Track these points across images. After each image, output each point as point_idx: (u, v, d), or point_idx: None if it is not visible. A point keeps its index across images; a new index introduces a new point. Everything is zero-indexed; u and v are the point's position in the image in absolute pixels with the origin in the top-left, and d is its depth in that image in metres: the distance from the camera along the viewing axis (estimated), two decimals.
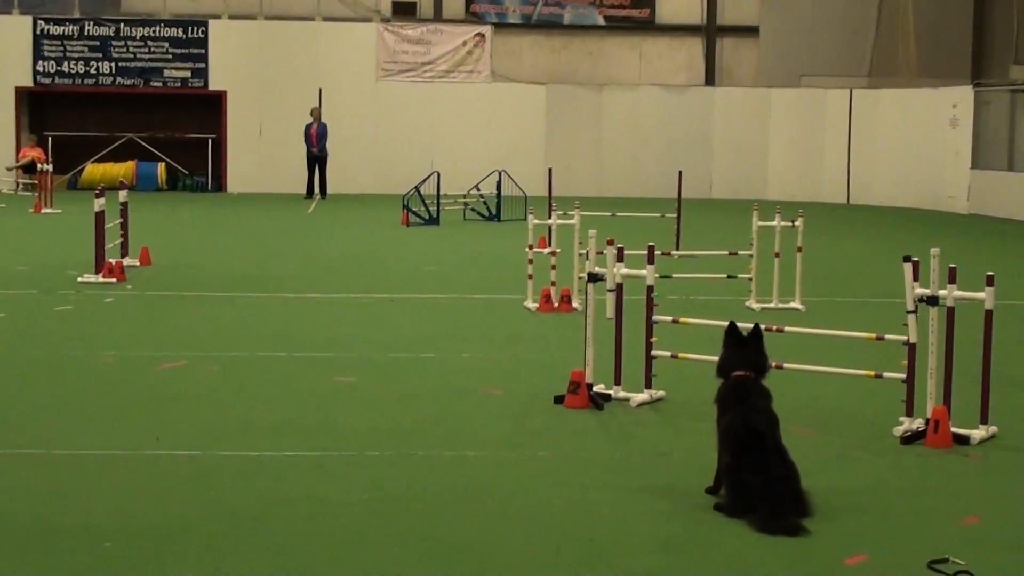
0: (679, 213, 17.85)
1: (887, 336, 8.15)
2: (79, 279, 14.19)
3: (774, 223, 12.98)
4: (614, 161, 32.04)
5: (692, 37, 34.41)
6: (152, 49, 31.08)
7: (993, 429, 7.65)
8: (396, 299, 13.45)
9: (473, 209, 24.48)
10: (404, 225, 22.66)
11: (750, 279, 12.91)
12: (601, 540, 5.69)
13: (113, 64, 31.05)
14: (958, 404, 7.63)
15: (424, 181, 23.33)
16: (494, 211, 24.21)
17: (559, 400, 8.40)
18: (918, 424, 7.60)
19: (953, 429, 7.47)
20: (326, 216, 24.85)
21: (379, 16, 32.64)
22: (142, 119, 31.70)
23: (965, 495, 6.55)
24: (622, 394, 8.51)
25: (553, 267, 12.77)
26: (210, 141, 31.56)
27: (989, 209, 27.71)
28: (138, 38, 31.06)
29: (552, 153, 30.87)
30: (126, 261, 15.12)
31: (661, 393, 8.56)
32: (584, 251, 9.43)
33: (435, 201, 23.21)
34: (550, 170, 20.32)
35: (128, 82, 31.18)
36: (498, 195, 24.18)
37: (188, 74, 31.18)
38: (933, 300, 7.58)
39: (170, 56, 31.11)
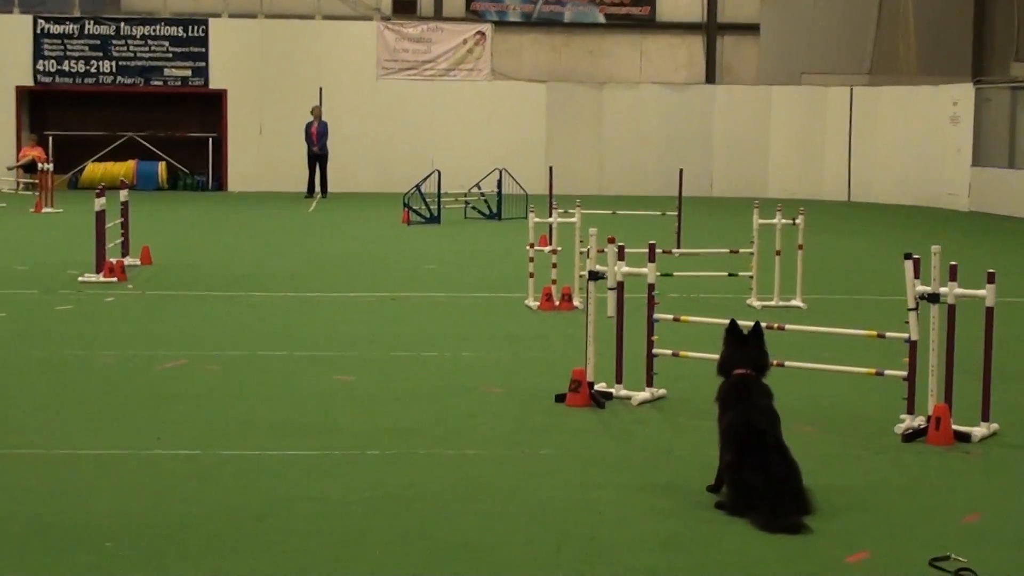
0: (680, 211, 17.84)
1: (888, 334, 8.14)
2: (80, 278, 14.19)
3: (775, 221, 12.98)
4: (615, 159, 32.04)
5: (692, 35, 34.41)
6: (152, 48, 31.08)
7: (994, 426, 7.65)
8: (397, 298, 13.45)
9: (474, 207, 24.48)
10: (405, 224, 22.66)
11: (751, 277, 12.91)
12: (602, 538, 5.69)
13: (113, 63, 31.04)
14: (959, 401, 7.63)
15: (425, 179, 23.32)
16: (495, 209, 24.20)
17: (560, 399, 8.39)
18: (919, 422, 7.60)
19: (954, 426, 7.46)
20: (327, 215, 24.85)
21: (379, 14, 32.64)
22: (142, 118, 31.71)
23: (966, 492, 6.54)
24: (623, 392, 8.50)
25: (554, 265, 12.76)
26: (210, 140, 31.56)
27: (990, 206, 27.70)
28: (138, 37, 31.06)
29: (553, 151, 30.87)
30: (127, 260, 15.12)
31: (662, 391, 8.56)
32: (585, 249, 9.42)
33: (436, 199, 23.21)
34: (551, 168, 20.32)
35: (128, 81, 31.18)
36: (499, 193, 24.17)
37: (188, 73, 31.18)
38: (934, 297, 7.57)
39: (170, 55, 31.11)
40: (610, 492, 6.40)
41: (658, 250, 8.74)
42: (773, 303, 12.83)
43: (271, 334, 11.07)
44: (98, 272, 14.26)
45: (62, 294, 13.27)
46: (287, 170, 30.55)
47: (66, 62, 30.89)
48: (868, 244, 20.57)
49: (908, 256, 7.61)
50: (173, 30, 31.09)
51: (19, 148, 30.47)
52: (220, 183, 31.55)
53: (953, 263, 7.66)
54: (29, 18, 30.86)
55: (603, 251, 8.71)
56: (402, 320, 12.04)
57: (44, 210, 23.91)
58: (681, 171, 19.53)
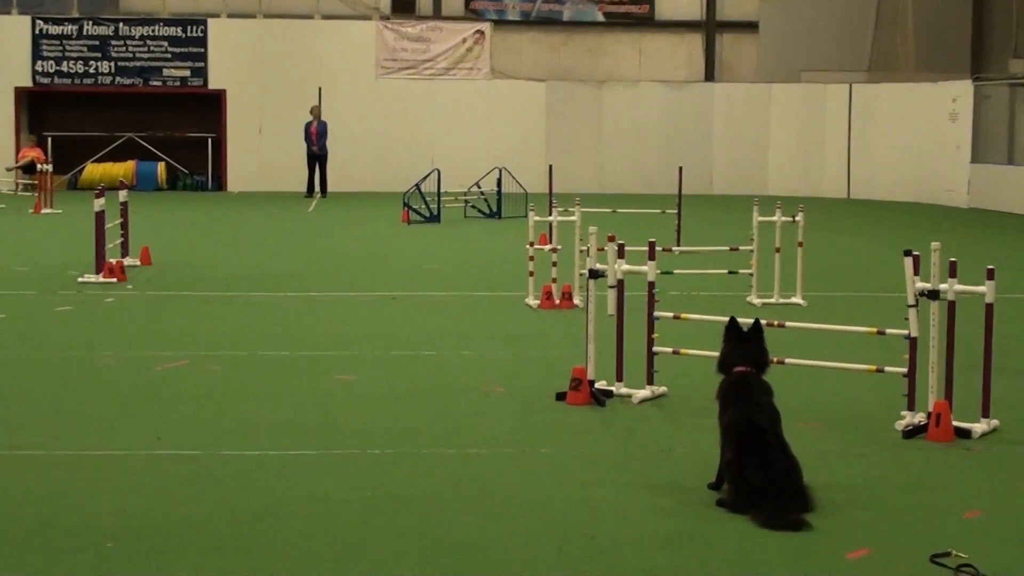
0: (679, 209, 17.84)
1: (888, 330, 8.15)
2: (79, 279, 14.19)
3: (775, 218, 12.98)
4: (614, 157, 32.03)
5: (692, 33, 34.41)
6: (151, 48, 31.08)
7: (995, 422, 7.65)
8: (397, 297, 13.44)
9: (474, 206, 24.48)
10: (405, 223, 22.66)
11: (751, 274, 12.91)
12: (603, 537, 5.69)
13: (112, 63, 31.04)
14: (960, 398, 7.63)
15: (424, 179, 23.32)
16: (495, 208, 24.20)
17: (561, 397, 8.39)
18: (920, 418, 7.60)
19: (955, 423, 7.46)
20: (327, 214, 24.85)
21: (378, 14, 32.63)
22: (142, 118, 31.70)
23: (967, 489, 6.54)
24: (624, 390, 8.50)
25: (554, 264, 12.76)
26: (210, 140, 31.56)
27: (989, 203, 27.71)
28: (137, 37, 31.06)
29: (552, 150, 30.87)
30: (126, 261, 15.12)
31: (663, 389, 8.56)
32: (585, 248, 9.42)
33: (436, 199, 23.21)
34: (550, 167, 20.32)
35: (127, 81, 31.18)
36: (499, 192, 24.17)
37: (187, 73, 31.18)
38: (934, 294, 7.57)
39: (169, 55, 31.10)
40: (611, 490, 6.40)
41: (658, 248, 8.73)
42: (773, 300, 12.83)
43: (271, 334, 11.07)
44: (98, 273, 14.26)
45: (62, 295, 13.27)
46: (287, 170, 30.55)
47: (65, 63, 30.88)
48: (868, 241, 20.57)
49: (908, 253, 7.61)
50: (172, 30, 31.09)
51: (18, 149, 30.47)
52: (219, 183, 31.55)
53: (953, 259, 7.67)
54: (27, 19, 30.86)
55: (603, 249, 8.71)
56: (402, 319, 12.04)
57: (43, 211, 23.92)
58: (681, 169, 19.53)
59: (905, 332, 7.67)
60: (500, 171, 24.39)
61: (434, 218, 23.06)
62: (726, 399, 6.33)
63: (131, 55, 31.08)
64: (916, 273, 7.57)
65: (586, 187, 29.58)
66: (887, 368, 7.98)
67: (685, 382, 8.74)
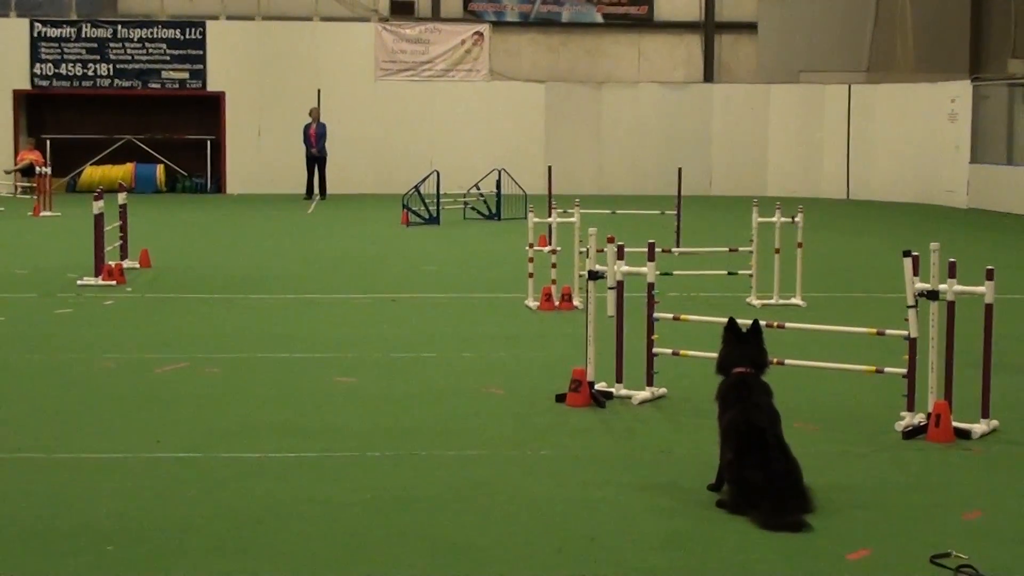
0: (679, 210, 17.85)
1: (888, 331, 8.15)
2: (79, 282, 14.18)
3: (774, 219, 12.98)
4: (614, 158, 32.03)
5: (691, 34, 34.43)
6: (150, 50, 31.08)
7: (994, 423, 7.65)
8: (397, 299, 13.44)
9: (473, 208, 24.48)
10: (404, 225, 22.66)
11: (750, 275, 12.91)
12: (603, 538, 5.69)
13: (111, 66, 31.04)
14: (959, 398, 7.63)
15: (424, 180, 23.32)
16: (494, 210, 24.20)
17: (561, 398, 8.39)
18: (919, 419, 7.60)
19: (954, 423, 7.46)
20: (326, 216, 24.85)
21: (377, 16, 32.64)
22: (140, 121, 31.70)
23: (967, 489, 6.54)
24: (624, 392, 8.50)
25: (554, 265, 12.76)
26: (209, 142, 31.55)
27: (988, 203, 27.71)
28: (136, 40, 31.06)
29: (551, 151, 30.87)
30: (126, 263, 15.12)
31: (663, 390, 8.56)
32: (584, 249, 9.42)
33: (435, 200, 23.21)
34: (550, 168, 20.31)
35: (126, 84, 31.18)
36: (498, 194, 24.17)
37: (186, 75, 31.18)
38: (933, 294, 7.57)
39: (168, 57, 31.10)
40: (611, 491, 6.40)
41: (657, 249, 8.74)
42: (773, 301, 12.83)
43: (271, 336, 11.07)
44: (97, 275, 14.26)
45: (61, 298, 13.26)
46: (286, 172, 30.55)
47: (63, 65, 30.88)
48: (867, 242, 20.58)
49: (907, 253, 7.61)
50: (170, 32, 31.10)
51: (17, 152, 30.47)
52: (219, 185, 31.55)
53: (952, 260, 7.67)
54: (26, 21, 30.86)
55: (602, 250, 8.71)
56: (402, 321, 12.04)
57: (42, 214, 23.91)
58: (680, 170, 19.53)
59: (905, 333, 7.67)
60: (499, 172, 24.39)
61: (433, 220, 23.06)
62: (726, 400, 6.33)
63: (130, 57, 31.08)
64: (915, 274, 7.57)
65: (585, 188, 29.59)
66: (887, 369, 7.98)
67: (685, 383, 8.74)
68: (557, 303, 12.67)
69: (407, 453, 7.14)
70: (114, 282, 14.11)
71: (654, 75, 33.89)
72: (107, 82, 31.10)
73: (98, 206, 14.44)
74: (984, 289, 7.54)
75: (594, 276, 8.62)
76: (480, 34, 31.99)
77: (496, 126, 31.50)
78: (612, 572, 5.30)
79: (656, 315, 8.58)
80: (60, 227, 21.78)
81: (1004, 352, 9.34)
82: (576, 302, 12.58)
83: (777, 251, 12.91)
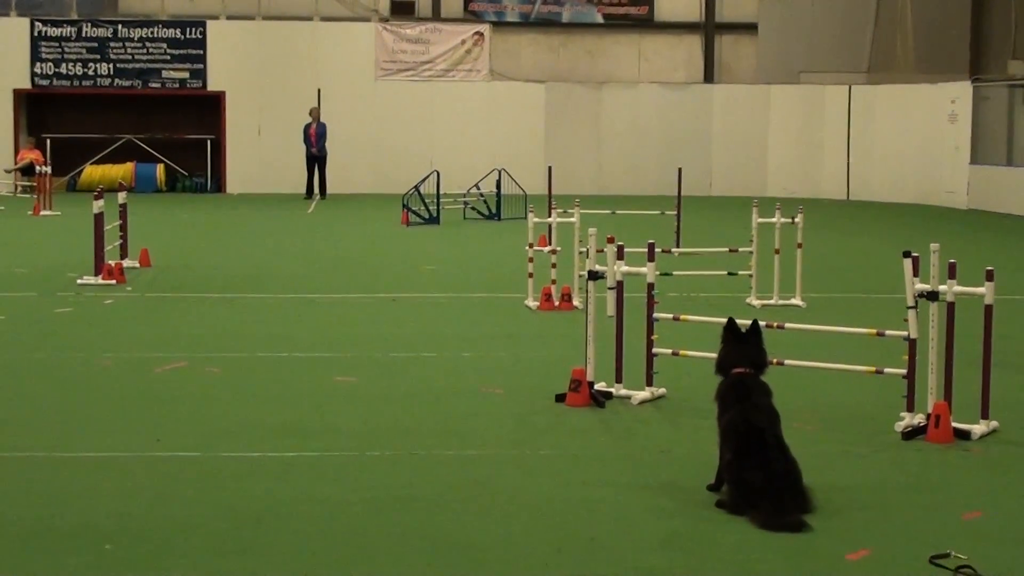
0: (679, 210, 17.85)
1: (888, 332, 8.14)
2: (79, 281, 14.19)
3: (774, 220, 12.98)
4: (614, 159, 32.03)
5: (691, 34, 34.44)
6: (150, 50, 31.08)
7: (994, 424, 7.65)
8: (397, 299, 13.45)
9: (473, 208, 24.48)
10: (404, 225, 22.66)
11: (750, 276, 12.91)
12: (603, 538, 5.69)
13: (111, 65, 31.04)
14: (959, 399, 7.63)
15: (424, 180, 23.33)
16: (494, 210, 24.20)
17: (560, 398, 8.39)
18: (919, 419, 7.60)
19: (954, 424, 7.47)
20: (326, 216, 24.85)
21: (377, 15, 32.65)
22: (141, 120, 31.71)
23: (966, 490, 6.54)
24: (623, 392, 8.50)
25: (553, 265, 12.76)
26: (209, 142, 31.55)
27: (988, 204, 27.71)
28: (136, 39, 31.06)
29: (552, 151, 30.86)
30: (125, 263, 15.12)
31: (662, 390, 8.56)
32: (584, 249, 9.43)
33: (435, 200, 23.21)
34: (550, 168, 20.31)
35: (126, 83, 31.18)
36: (498, 194, 24.17)
37: (186, 75, 31.18)
38: (933, 295, 7.57)
39: (168, 57, 31.10)
40: (610, 491, 6.40)
41: (657, 249, 8.74)
42: (772, 302, 12.83)
43: (271, 335, 11.07)
44: (97, 274, 14.26)
45: (61, 297, 13.27)
46: (286, 172, 30.55)
47: (64, 64, 30.88)
48: (867, 242, 20.58)
49: (907, 254, 7.61)
50: (171, 32, 31.10)
51: (17, 151, 30.47)
52: (219, 185, 31.55)
53: (952, 261, 7.67)
54: (26, 21, 30.86)
55: (602, 251, 8.71)
56: (402, 321, 12.04)
57: (42, 213, 23.92)
58: (680, 170, 19.53)
59: (904, 333, 7.67)
60: (499, 172, 24.39)
61: (433, 220, 23.06)
62: (725, 400, 6.33)
63: (130, 57, 31.08)
64: (915, 274, 7.57)
65: (585, 188, 29.59)
66: (886, 369, 7.98)
67: (684, 383, 8.74)
68: (557, 303, 12.67)
69: (406, 453, 7.14)
70: (114, 281, 14.12)
71: (654, 75, 33.90)
72: (107, 81, 31.09)
73: (98, 205, 14.44)
74: (984, 290, 7.54)
75: (594, 276, 8.62)
76: (480, 34, 31.99)
77: (496, 126, 31.51)
78: (611, 572, 5.30)
79: (656, 315, 8.58)
80: (60, 226, 21.78)
81: (1004, 353, 9.34)
82: (576, 302, 12.58)
83: (777, 252, 12.91)
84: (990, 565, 5.29)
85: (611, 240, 8.51)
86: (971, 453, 7.25)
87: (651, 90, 32.54)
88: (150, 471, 6.73)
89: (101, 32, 30.99)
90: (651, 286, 8.54)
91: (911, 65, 32.21)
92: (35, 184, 26.25)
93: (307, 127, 29.40)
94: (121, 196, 16.02)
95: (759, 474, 5.92)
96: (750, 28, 34.26)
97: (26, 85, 30.93)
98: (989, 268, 7.61)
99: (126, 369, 9.52)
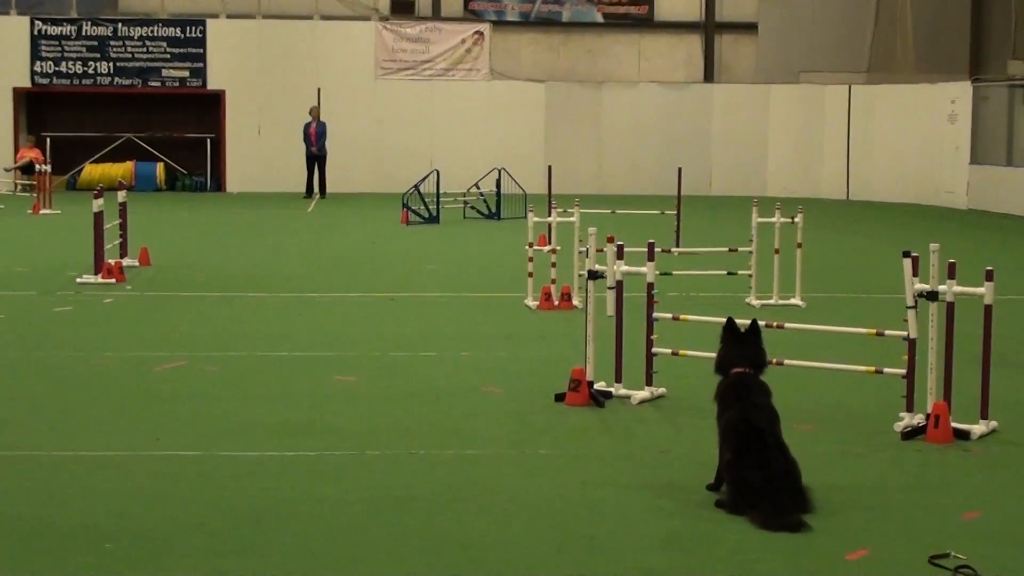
0: (679, 210, 17.85)
1: (887, 332, 8.14)
2: (78, 280, 14.19)
3: (774, 219, 12.98)
4: (613, 158, 32.02)
5: (691, 34, 34.41)
6: (150, 49, 31.07)
7: (993, 424, 7.65)
8: (396, 298, 13.45)
9: (473, 207, 24.48)
10: (404, 224, 22.65)
11: (750, 275, 12.91)
12: (602, 537, 5.69)
13: (111, 64, 31.03)
14: (958, 399, 7.63)
15: (423, 180, 23.32)
16: (494, 209, 24.20)
17: (560, 398, 8.39)
18: (918, 419, 7.60)
19: (953, 424, 7.47)
20: (326, 215, 24.85)
21: (377, 15, 32.63)
22: (140, 119, 31.69)
23: (966, 490, 6.55)
24: (623, 391, 8.50)
25: (553, 265, 12.76)
26: (209, 141, 31.54)
27: (988, 204, 27.71)
28: (136, 38, 31.05)
29: (551, 151, 30.85)
30: (125, 262, 15.12)
31: (662, 390, 8.56)
32: (584, 248, 9.43)
33: (435, 199, 23.21)
34: (549, 168, 20.30)
35: (126, 82, 31.17)
36: (498, 193, 24.17)
37: (186, 74, 31.17)
38: (933, 295, 7.58)
39: (168, 56, 31.09)
40: (610, 491, 6.40)
41: (657, 249, 8.74)
42: (772, 301, 12.83)
43: (270, 335, 11.07)
44: (97, 273, 14.26)
45: (61, 295, 13.27)
46: (286, 171, 30.54)
47: (63, 63, 30.87)
48: (867, 242, 20.58)
49: (907, 254, 7.61)
50: (171, 31, 31.09)
51: (16, 150, 30.46)
52: (219, 184, 31.54)
53: (952, 261, 7.67)
54: (26, 19, 30.85)
55: (602, 250, 8.71)
56: (401, 320, 12.04)
57: (42, 211, 23.91)
58: (680, 170, 19.53)
59: (904, 333, 7.67)
60: (499, 172, 24.39)
61: (433, 219, 23.06)
62: (724, 400, 6.33)
63: (130, 56, 31.07)
64: (915, 274, 7.58)
65: (585, 188, 29.58)
66: (886, 369, 7.98)
67: (684, 383, 8.74)
68: (557, 302, 12.67)
69: (406, 452, 7.14)
70: (114, 280, 14.11)
71: (654, 75, 33.88)
72: (107, 80, 31.08)
73: (98, 204, 14.44)
74: (983, 290, 7.54)
75: (594, 276, 8.62)
76: (480, 33, 31.98)
77: (496, 125, 31.50)
78: (611, 571, 5.30)
79: (655, 315, 8.58)
80: (60, 225, 21.78)
81: (1004, 353, 9.34)
82: (575, 302, 12.58)
83: (777, 251, 12.91)
84: (989, 565, 5.29)
85: (611, 239, 8.51)
86: (970, 453, 7.26)
87: (651, 89, 32.53)
88: (149, 470, 6.73)
89: (101, 31, 30.98)
90: (651, 286, 8.54)
91: (911, 65, 32.20)
92: (35, 183, 26.25)
93: (307, 126, 29.39)
94: (121, 195, 16.02)
95: (758, 474, 5.92)
96: (750, 28, 34.23)
97: (26, 84, 30.92)
98: (989, 268, 7.61)
99: (126, 368, 9.52)
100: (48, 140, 30.76)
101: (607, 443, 7.48)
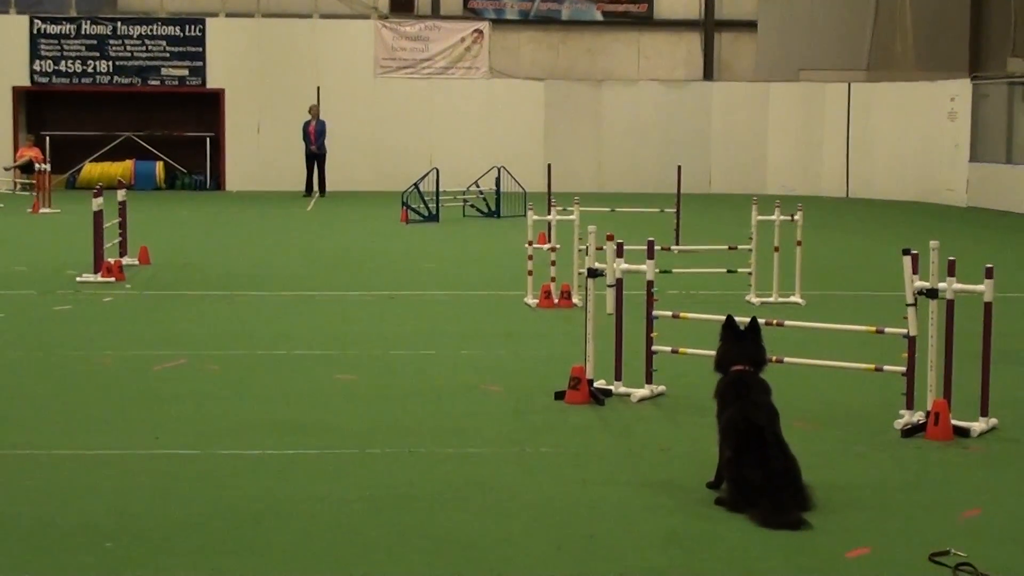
0: (678, 208, 17.85)
1: (887, 329, 8.14)
2: (78, 279, 14.18)
3: (773, 217, 12.98)
4: (613, 156, 32.03)
5: (690, 32, 34.43)
6: (149, 47, 31.07)
7: (993, 421, 7.65)
8: (396, 296, 13.45)
9: (472, 206, 24.48)
10: (403, 222, 22.65)
11: (750, 273, 12.92)
12: (602, 536, 5.69)
13: (110, 63, 31.03)
14: (958, 397, 7.63)
15: (423, 178, 23.32)
16: (493, 207, 24.20)
17: (560, 396, 8.39)
18: (918, 417, 7.60)
19: (953, 422, 7.47)
20: (325, 214, 24.85)
21: (377, 13, 32.63)
22: (140, 118, 31.70)
23: (966, 488, 6.54)
24: (623, 389, 8.50)
25: (553, 263, 12.76)
26: (208, 139, 31.55)
27: (987, 202, 27.71)
28: (135, 37, 31.05)
29: (551, 149, 30.87)
30: (125, 260, 15.12)
31: (662, 388, 8.56)
32: (584, 247, 9.42)
33: (434, 198, 23.20)
34: (549, 166, 20.31)
35: (126, 81, 31.17)
36: (497, 191, 24.17)
37: (186, 72, 31.17)
38: (933, 293, 7.58)
39: (167, 54, 31.09)
40: (610, 489, 6.40)
41: (657, 247, 8.74)
42: (772, 299, 12.83)
43: (270, 333, 11.07)
44: (96, 272, 14.25)
45: (60, 294, 13.26)
46: (285, 169, 30.54)
47: (63, 62, 30.87)
48: (866, 240, 20.58)
49: (906, 252, 7.61)
50: (170, 30, 31.08)
51: (16, 149, 30.46)
52: (218, 183, 31.55)
53: (951, 258, 7.67)
54: (25, 18, 30.85)
55: (602, 248, 8.71)
56: (401, 319, 12.04)
57: (41, 210, 23.91)
58: (679, 168, 19.54)
59: (904, 331, 7.67)
60: (499, 170, 24.39)
61: (433, 217, 23.06)
62: (724, 398, 6.33)
63: (129, 54, 31.07)
64: (915, 272, 7.58)
65: (585, 186, 29.59)
66: (886, 367, 7.98)
67: (684, 381, 8.74)
68: (556, 301, 12.67)
69: (406, 450, 7.14)
70: (113, 279, 14.11)
71: (654, 73, 33.89)
72: (107, 79, 31.08)
73: (97, 203, 14.44)
74: (983, 287, 7.54)
75: (593, 274, 8.62)
76: (480, 32, 31.98)
77: (496, 124, 31.50)
78: (611, 569, 5.30)
79: (655, 313, 8.58)
80: (59, 224, 21.77)
81: (1004, 351, 9.34)
82: (575, 300, 12.58)
83: (776, 249, 12.91)
84: (989, 562, 5.29)
85: (610, 238, 8.51)
86: (970, 451, 7.25)
87: (650, 88, 32.53)
88: (149, 469, 6.73)
89: (100, 30, 30.98)
90: (650, 284, 8.54)
91: (910, 63, 32.20)
92: (34, 182, 26.24)
93: (306, 125, 29.40)
94: (120, 194, 16.02)
95: (758, 472, 5.91)
96: (750, 26, 34.25)
97: (25, 83, 30.92)
98: (988, 265, 7.61)
99: (125, 367, 9.51)
100: (47, 139, 30.77)
101: (607, 441, 7.48)
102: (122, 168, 30.23)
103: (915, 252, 7.65)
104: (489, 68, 31.97)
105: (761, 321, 6.68)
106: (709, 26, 34.15)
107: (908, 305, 7.58)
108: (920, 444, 7.35)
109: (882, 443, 7.38)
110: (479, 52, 31.85)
